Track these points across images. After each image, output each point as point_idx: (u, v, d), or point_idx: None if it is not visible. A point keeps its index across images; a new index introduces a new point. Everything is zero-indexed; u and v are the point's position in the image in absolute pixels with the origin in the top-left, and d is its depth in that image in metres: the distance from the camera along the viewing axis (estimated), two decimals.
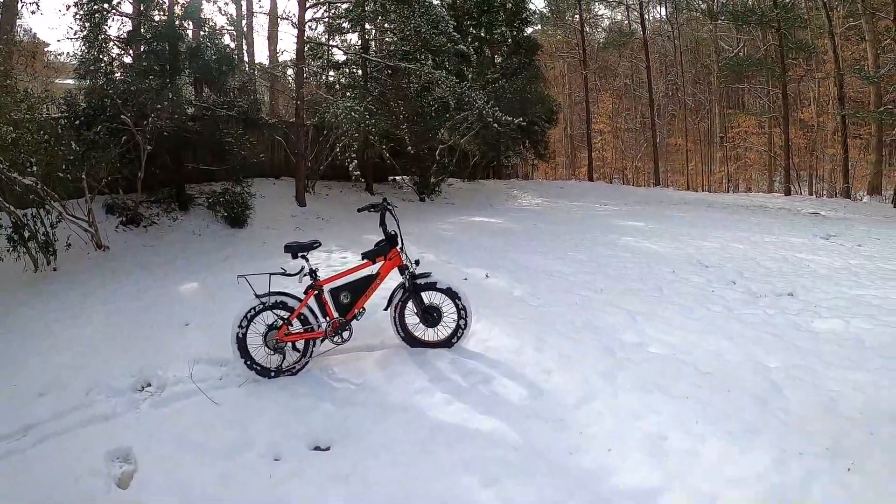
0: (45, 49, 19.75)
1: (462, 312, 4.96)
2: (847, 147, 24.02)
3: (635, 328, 5.45)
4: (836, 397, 3.93)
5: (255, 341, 4.66)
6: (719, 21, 30.22)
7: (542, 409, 4.03)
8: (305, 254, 4.78)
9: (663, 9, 35.95)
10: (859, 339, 5.01)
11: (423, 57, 14.99)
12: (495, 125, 14.05)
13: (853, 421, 3.64)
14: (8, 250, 8.18)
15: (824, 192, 26.86)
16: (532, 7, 25.56)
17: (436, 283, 4.97)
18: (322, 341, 4.83)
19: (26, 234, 8.38)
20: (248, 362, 4.63)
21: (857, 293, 6.45)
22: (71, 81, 14.61)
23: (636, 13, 31.39)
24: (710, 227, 11.89)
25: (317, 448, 3.76)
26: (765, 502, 3.03)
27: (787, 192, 24.58)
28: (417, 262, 4.99)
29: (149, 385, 4.73)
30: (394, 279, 5.01)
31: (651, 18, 36.18)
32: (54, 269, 8.70)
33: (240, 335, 4.62)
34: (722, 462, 3.34)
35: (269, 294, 4.67)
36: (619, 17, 35.89)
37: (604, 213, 14.65)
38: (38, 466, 3.70)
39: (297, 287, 4.80)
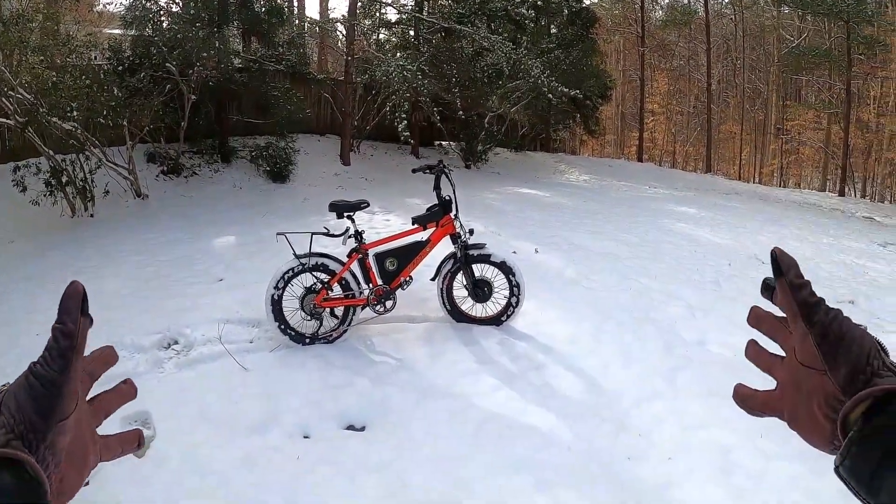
0: None
1: (515, 289, 4.64)
2: None
3: (695, 324, 5.09)
4: None
5: (291, 304, 4.39)
6: (784, 9, 29.00)
7: (599, 406, 3.71)
8: (352, 214, 4.46)
9: None
10: None
11: (478, 21, 14.53)
12: (549, 95, 13.55)
13: None
14: (45, 194, 8.09)
15: (877, 197, 25.92)
16: None
17: (490, 255, 4.64)
18: (363, 309, 4.54)
19: (64, 179, 8.31)
20: (282, 326, 4.35)
21: None
22: (118, 31, 14.52)
23: None
24: (765, 221, 11.37)
25: (350, 427, 3.47)
26: None
27: (842, 193, 23.59)
28: (471, 232, 4.64)
29: (175, 343, 4.46)
30: (444, 247, 4.70)
31: None
32: (91, 216, 8.64)
33: (275, 297, 4.34)
34: (790, 485, 3.03)
35: (310, 255, 4.37)
36: None
37: (654, 196, 14.14)
38: None
39: (339, 249, 4.52)
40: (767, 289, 0.59)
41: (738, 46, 34.07)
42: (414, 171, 4.78)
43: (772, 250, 0.57)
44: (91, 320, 0.54)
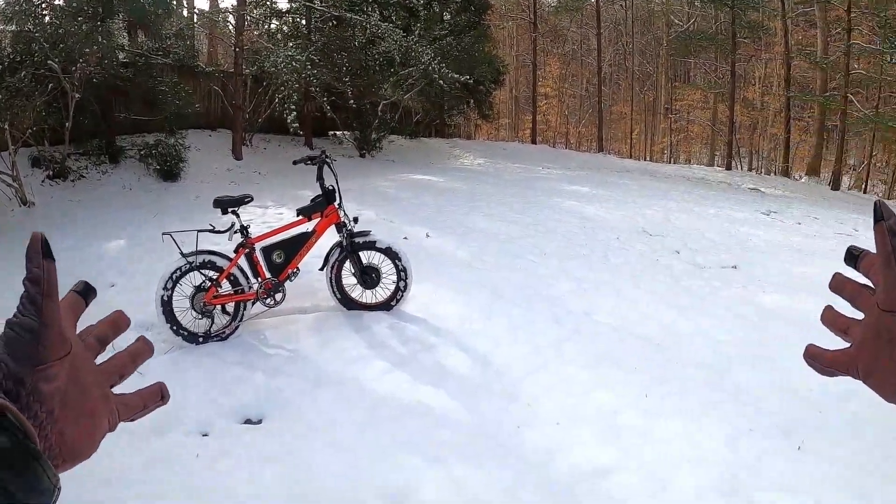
0: None
1: (402, 274, 4.74)
2: (789, 128, 24.64)
3: (583, 296, 5.33)
4: (787, 376, 3.79)
5: (181, 304, 4.34)
6: None
7: (489, 381, 3.85)
8: (236, 209, 4.46)
9: None
10: (806, 318, 4.95)
11: (369, 9, 14.52)
12: (440, 82, 13.70)
13: (804, 400, 3.56)
14: None
15: (763, 170, 27.57)
16: None
17: (375, 241, 4.72)
18: (253, 304, 4.54)
19: None
20: (175, 327, 4.31)
21: (801, 270, 6.44)
22: None
23: None
24: (653, 195, 11.81)
25: (248, 421, 3.49)
26: (718, 481, 2.93)
27: (729, 167, 25.03)
28: (356, 220, 4.71)
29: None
30: (330, 237, 4.76)
31: None
32: None
33: (165, 298, 4.28)
34: (675, 439, 3.23)
35: (197, 253, 4.33)
36: None
37: (548, 177, 14.51)
38: None
39: (227, 245, 4.50)
40: (851, 257, 0.61)
41: (628, 31, 35.36)
42: (295, 162, 4.79)
43: (875, 201, 0.59)
44: (54, 261, 0.51)
